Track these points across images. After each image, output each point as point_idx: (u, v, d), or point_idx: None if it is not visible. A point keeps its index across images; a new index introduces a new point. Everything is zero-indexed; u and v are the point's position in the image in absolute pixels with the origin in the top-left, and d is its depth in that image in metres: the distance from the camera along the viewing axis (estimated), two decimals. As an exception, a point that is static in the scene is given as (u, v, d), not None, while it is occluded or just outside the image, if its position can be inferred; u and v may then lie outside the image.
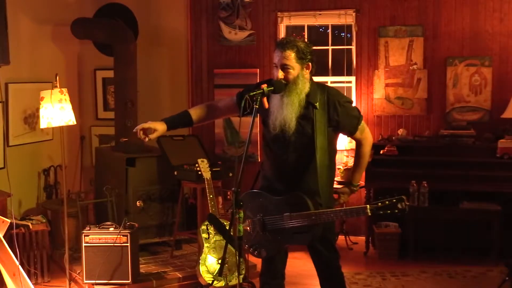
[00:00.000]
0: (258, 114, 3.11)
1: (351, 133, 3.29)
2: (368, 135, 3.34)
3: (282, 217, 3.09)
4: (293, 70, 3.10)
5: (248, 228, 3.22)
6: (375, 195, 5.67)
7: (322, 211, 3.02)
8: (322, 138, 3.13)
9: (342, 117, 3.17)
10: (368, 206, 2.89)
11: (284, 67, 3.10)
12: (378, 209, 2.87)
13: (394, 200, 2.86)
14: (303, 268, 5.08)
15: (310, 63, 3.16)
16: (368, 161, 3.41)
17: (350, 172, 3.39)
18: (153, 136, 3.20)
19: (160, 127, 3.22)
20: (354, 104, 3.35)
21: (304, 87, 3.13)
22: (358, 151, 3.37)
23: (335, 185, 4.20)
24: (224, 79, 6.55)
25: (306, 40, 3.23)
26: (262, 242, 3.20)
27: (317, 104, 3.13)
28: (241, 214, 2.91)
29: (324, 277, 3.35)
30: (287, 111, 3.10)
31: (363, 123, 3.29)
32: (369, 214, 2.91)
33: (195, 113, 3.36)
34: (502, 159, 5.41)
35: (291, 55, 3.09)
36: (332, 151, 3.25)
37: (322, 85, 3.26)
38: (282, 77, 3.11)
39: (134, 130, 3.22)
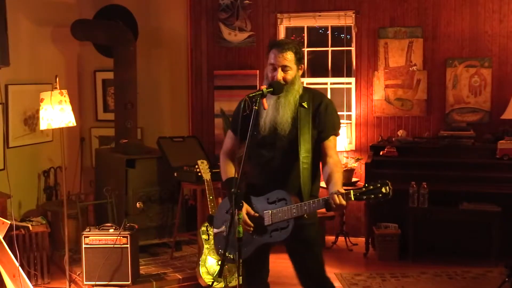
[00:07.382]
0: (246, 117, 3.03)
1: (323, 138, 3.12)
2: (338, 155, 3.18)
3: (262, 216, 3.05)
4: (291, 71, 3.11)
5: (224, 233, 3.18)
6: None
7: (303, 203, 2.95)
8: (307, 136, 3.09)
9: (323, 118, 3.12)
10: (351, 191, 2.82)
11: (285, 68, 3.10)
12: (362, 194, 2.80)
13: (378, 185, 2.80)
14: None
15: (302, 65, 3.20)
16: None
17: (331, 184, 2.98)
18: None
19: (245, 208, 3.11)
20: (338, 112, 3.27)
21: (299, 88, 3.14)
22: (325, 160, 3.09)
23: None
24: (223, 81, 6.55)
25: (301, 41, 3.25)
26: (237, 245, 3.04)
27: (304, 104, 3.12)
28: (241, 215, 2.90)
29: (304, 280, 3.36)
30: (283, 112, 3.08)
31: (336, 140, 3.18)
32: (353, 199, 2.81)
33: (232, 172, 3.23)
34: (502, 160, 5.41)
35: (291, 56, 3.10)
36: (318, 151, 3.16)
37: (308, 88, 3.27)
38: (281, 78, 3.10)
39: (246, 225, 3.06)
